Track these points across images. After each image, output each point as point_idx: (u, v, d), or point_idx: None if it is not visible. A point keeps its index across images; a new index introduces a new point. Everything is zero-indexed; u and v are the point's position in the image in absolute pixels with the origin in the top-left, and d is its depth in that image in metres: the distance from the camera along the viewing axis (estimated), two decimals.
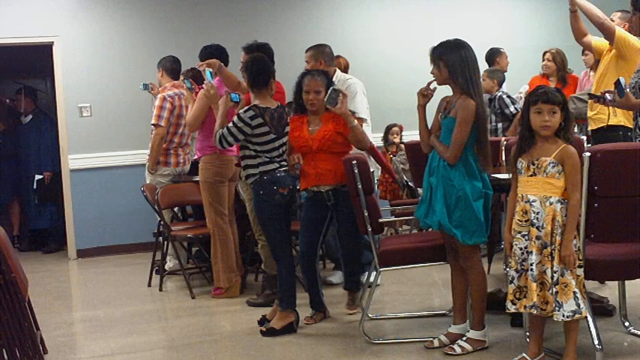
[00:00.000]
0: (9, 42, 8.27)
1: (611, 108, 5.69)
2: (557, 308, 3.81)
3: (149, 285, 6.80)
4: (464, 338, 4.46)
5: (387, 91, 8.69)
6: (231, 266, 6.21)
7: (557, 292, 3.81)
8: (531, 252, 3.86)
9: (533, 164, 3.90)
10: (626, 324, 4.63)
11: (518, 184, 3.99)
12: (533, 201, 3.88)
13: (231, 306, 5.93)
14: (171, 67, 7.21)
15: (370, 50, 8.95)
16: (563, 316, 3.81)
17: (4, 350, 4.20)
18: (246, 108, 5.09)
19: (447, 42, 4.45)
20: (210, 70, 5.71)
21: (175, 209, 7.26)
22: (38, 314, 4.83)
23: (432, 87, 4.50)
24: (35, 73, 9.71)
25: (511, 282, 3.97)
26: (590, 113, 6.19)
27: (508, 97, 7.50)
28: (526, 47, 8.85)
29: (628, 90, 4.59)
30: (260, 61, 5.27)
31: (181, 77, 6.93)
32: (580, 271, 3.85)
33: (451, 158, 4.30)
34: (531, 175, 3.91)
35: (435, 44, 4.49)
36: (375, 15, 9.22)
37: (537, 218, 3.86)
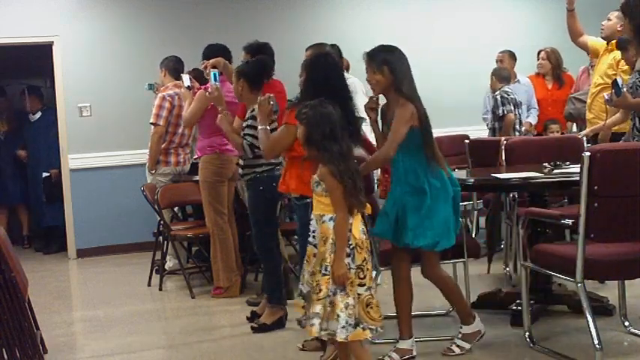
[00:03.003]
0: (9, 42, 8.26)
1: (609, 107, 5.72)
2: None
3: (149, 285, 6.79)
4: (393, 348, 4.41)
5: None
6: (231, 266, 6.21)
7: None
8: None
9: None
10: (626, 323, 4.62)
11: None
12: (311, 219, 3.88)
13: (231, 305, 5.93)
14: (173, 67, 7.19)
15: None
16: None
17: (3, 350, 4.21)
18: (267, 95, 5.03)
19: (386, 46, 4.32)
20: (216, 71, 5.68)
21: (175, 209, 7.26)
22: (38, 314, 4.83)
23: (374, 98, 4.38)
24: (35, 73, 9.69)
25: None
26: (588, 115, 6.21)
27: (501, 97, 7.46)
28: (525, 47, 8.83)
29: (625, 89, 4.59)
30: (261, 64, 5.29)
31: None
32: (361, 290, 3.73)
33: (383, 155, 4.23)
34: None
35: (370, 49, 4.35)
36: (376, 14, 9.22)
37: (314, 236, 3.83)
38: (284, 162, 5.01)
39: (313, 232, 3.83)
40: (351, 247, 3.71)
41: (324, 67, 4.56)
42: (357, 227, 3.75)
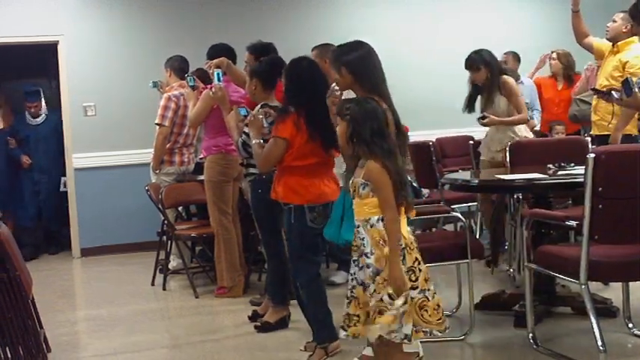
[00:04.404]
0: (14, 41, 8.29)
1: (615, 109, 5.71)
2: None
3: (152, 284, 6.80)
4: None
5: (392, 91, 8.68)
6: (235, 265, 6.21)
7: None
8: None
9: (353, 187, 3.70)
10: (630, 325, 4.62)
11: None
12: (357, 226, 3.68)
13: (235, 305, 5.93)
14: (179, 67, 7.20)
15: (376, 50, 8.93)
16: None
17: (7, 348, 4.21)
18: (260, 106, 5.04)
19: (346, 45, 4.19)
20: (219, 71, 5.68)
21: (179, 208, 7.27)
22: (42, 313, 4.84)
23: (336, 93, 4.30)
24: (40, 72, 9.70)
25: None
26: (594, 117, 6.19)
27: None
28: (531, 48, 8.83)
29: (637, 89, 4.55)
30: (274, 63, 5.27)
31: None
32: (414, 293, 3.61)
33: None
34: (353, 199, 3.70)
35: (335, 48, 4.28)
36: (380, 15, 9.22)
37: (364, 245, 3.63)
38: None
39: (362, 239, 3.61)
40: (402, 247, 3.58)
41: (303, 71, 4.53)
42: (405, 227, 3.64)
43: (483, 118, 6.11)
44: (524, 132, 6.27)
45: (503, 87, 6.17)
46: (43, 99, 8.85)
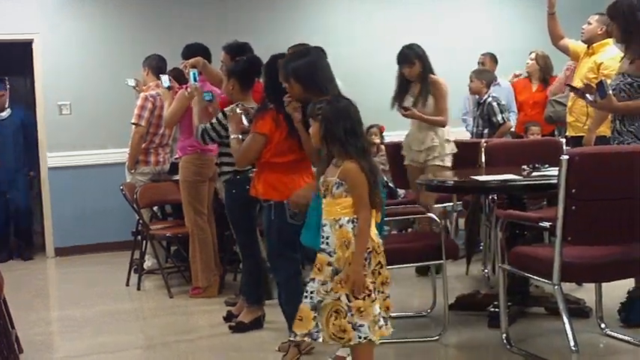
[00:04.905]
0: None
1: (589, 110, 5.73)
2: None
3: (127, 284, 6.77)
4: None
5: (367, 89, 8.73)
6: (210, 266, 6.20)
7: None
8: (313, 279, 3.63)
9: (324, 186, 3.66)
10: (602, 325, 4.65)
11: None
12: (324, 225, 3.62)
13: (209, 305, 5.91)
14: (156, 66, 7.16)
15: (357, 49, 8.99)
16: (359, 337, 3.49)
17: None
18: (232, 106, 5.04)
19: (292, 54, 4.20)
20: (195, 70, 5.67)
21: (154, 208, 7.24)
22: (15, 312, 4.80)
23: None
24: (14, 70, 9.62)
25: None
26: (569, 118, 6.22)
27: (498, 104, 7.43)
28: (506, 50, 8.88)
29: (610, 92, 4.57)
30: (252, 63, 5.27)
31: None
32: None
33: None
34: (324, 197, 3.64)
35: (284, 58, 4.28)
36: (365, 16, 9.26)
37: (327, 243, 3.58)
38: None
39: (327, 238, 3.59)
40: (368, 250, 3.53)
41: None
42: (374, 229, 3.60)
43: (406, 109, 5.94)
44: (446, 135, 6.03)
45: (433, 86, 5.97)
46: (8, 90, 8.51)
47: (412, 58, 5.96)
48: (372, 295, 3.48)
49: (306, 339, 3.64)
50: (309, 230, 3.92)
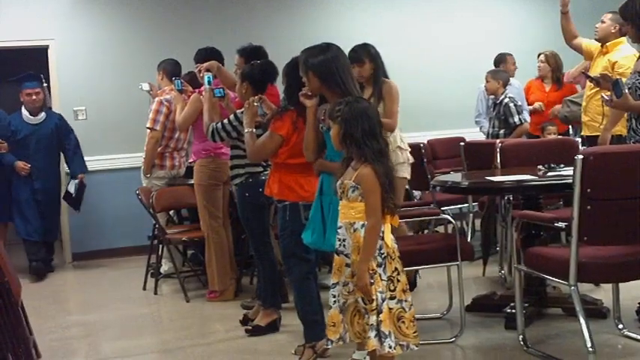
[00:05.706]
0: (4, 45, 8.29)
1: (605, 109, 5.71)
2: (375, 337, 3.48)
3: (144, 288, 6.79)
4: None
5: None
6: (226, 269, 6.21)
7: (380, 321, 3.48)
8: (336, 283, 3.64)
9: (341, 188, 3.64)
10: (620, 326, 4.62)
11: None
12: (340, 227, 3.64)
13: (226, 309, 5.92)
14: (171, 70, 7.17)
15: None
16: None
17: None
18: (253, 97, 5.03)
19: (311, 49, 4.15)
20: (210, 74, 5.67)
21: (170, 212, 7.25)
22: (33, 318, 4.81)
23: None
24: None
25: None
26: (584, 118, 6.20)
27: (515, 105, 7.41)
28: (520, 50, 8.85)
29: (626, 90, 4.55)
30: (266, 67, 5.28)
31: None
32: (392, 303, 3.52)
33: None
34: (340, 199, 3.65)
35: (302, 52, 4.23)
36: (373, 17, 9.23)
37: (344, 245, 3.60)
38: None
39: (343, 240, 3.59)
40: (383, 256, 3.51)
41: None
42: (389, 235, 3.55)
43: None
44: (398, 142, 5.52)
45: (384, 89, 5.44)
46: (44, 89, 8.00)
47: (362, 56, 5.45)
48: (374, 304, 3.47)
49: (340, 343, 3.66)
50: (315, 231, 4.02)
